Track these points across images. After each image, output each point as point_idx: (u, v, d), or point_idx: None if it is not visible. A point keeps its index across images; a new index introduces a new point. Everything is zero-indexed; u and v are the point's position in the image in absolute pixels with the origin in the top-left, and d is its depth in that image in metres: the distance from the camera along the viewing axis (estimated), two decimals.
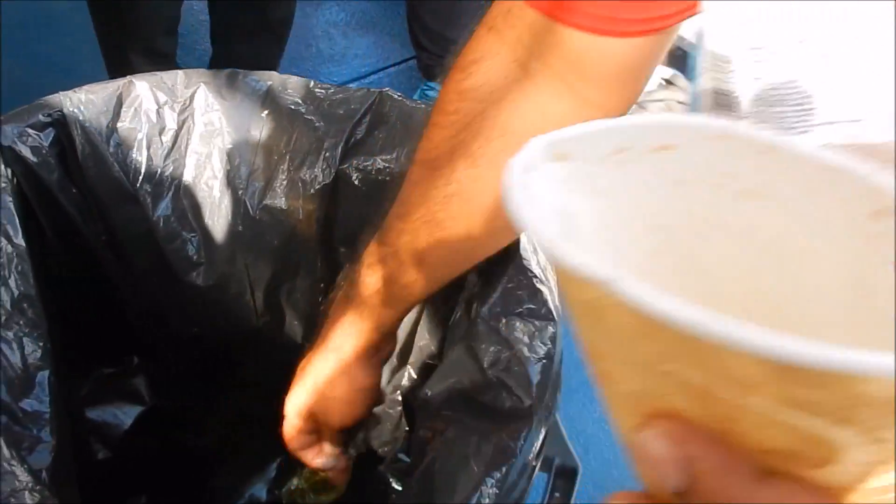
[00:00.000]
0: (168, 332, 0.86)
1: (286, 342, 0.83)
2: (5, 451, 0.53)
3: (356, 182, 0.71)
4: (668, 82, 1.87)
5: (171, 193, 0.73)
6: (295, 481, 0.92)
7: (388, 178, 0.70)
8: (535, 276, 0.58)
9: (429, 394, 0.61)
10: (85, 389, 0.87)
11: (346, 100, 0.73)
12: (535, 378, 0.54)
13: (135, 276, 0.80)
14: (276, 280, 0.78)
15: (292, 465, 0.92)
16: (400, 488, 0.78)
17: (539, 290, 0.58)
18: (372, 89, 0.73)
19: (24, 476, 0.53)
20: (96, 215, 0.74)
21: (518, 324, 0.56)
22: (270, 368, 0.94)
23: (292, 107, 0.73)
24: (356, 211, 0.72)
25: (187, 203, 0.74)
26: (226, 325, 0.82)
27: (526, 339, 0.56)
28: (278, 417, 0.99)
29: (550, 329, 0.57)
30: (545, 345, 0.56)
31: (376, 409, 0.85)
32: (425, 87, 1.71)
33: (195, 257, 0.76)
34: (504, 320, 0.56)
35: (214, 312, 0.81)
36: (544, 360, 0.55)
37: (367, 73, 1.85)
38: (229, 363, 0.90)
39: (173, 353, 0.89)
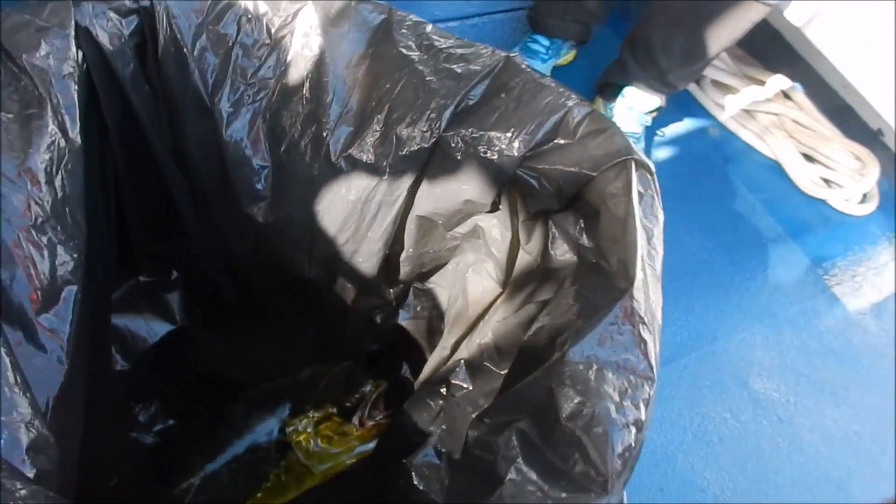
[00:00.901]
0: (215, 255, 0.80)
1: (333, 302, 0.76)
2: (10, 376, 0.46)
3: (457, 155, 0.62)
4: (786, 95, 1.73)
5: (249, 115, 0.65)
6: (304, 423, 0.87)
7: (493, 159, 0.60)
8: (643, 322, 0.49)
9: (487, 421, 0.53)
10: (118, 294, 0.81)
11: (465, 56, 0.63)
12: (618, 447, 0.46)
13: (194, 194, 0.73)
14: (340, 236, 0.70)
15: (304, 408, 0.86)
16: (421, 487, 0.71)
17: (644, 340, 0.49)
18: (498, 51, 0.63)
19: (24, 408, 0.47)
20: (166, 121, 0.66)
21: (610, 375, 0.48)
22: (306, 321, 0.87)
23: (404, 51, 0.63)
24: (448, 186, 0.64)
25: (264, 130, 0.66)
26: (275, 266, 0.75)
27: (616, 397, 0.47)
28: (302, 364, 0.94)
29: (647, 389, 0.48)
30: (636, 408, 0.47)
31: (418, 392, 0.78)
32: (529, 40, 1.58)
33: (261, 190, 0.68)
34: (595, 367, 0.48)
35: (267, 251, 0.73)
36: (632, 428, 0.46)
37: (473, 14, 1.72)
38: (267, 304, 0.83)
39: (215, 278, 0.83)
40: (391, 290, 0.79)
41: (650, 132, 1.55)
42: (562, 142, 0.59)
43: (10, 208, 0.51)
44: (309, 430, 0.85)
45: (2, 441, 0.45)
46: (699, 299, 1.40)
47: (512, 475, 0.46)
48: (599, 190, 0.56)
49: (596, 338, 0.48)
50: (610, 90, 1.44)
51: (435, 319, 0.80)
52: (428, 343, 0.82)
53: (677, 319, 1.36)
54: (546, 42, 1.54)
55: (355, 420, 0.86)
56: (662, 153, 1.57)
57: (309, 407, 0.86)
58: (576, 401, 0.47)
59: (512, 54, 0.63)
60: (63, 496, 0.51)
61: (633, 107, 1.39)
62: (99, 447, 0.86)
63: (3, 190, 0.51)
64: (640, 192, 0.54)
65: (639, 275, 0.50)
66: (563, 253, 0.62)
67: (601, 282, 0.54)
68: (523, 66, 0.62)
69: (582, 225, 0.61)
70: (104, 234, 0.70)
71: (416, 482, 0.70)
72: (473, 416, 0.68)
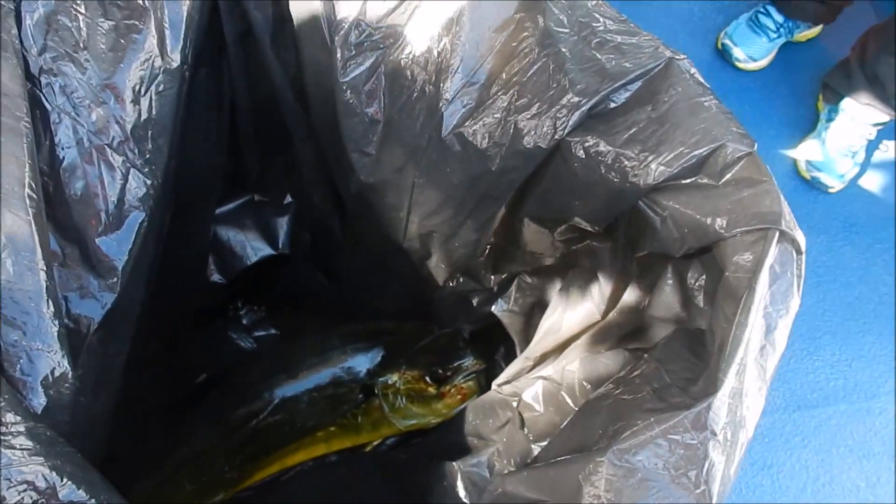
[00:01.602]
0: (324, 189, 0.76)
1: (423, 277, 0.71)
2: (49, 307, 0.45)
3: (575, 165, 0.52)
4: None
5: (367, 64, 0.59)
6: (394, 377, 0.85)
7: (615, 182, 0.51)
8: (716, 438, 0.40)
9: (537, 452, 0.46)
10: (227, 207, 0.80)
11: (621, 47, 0.52)
12: None
13: (308, 124, 0.69)
14: (436, 216, 0.63)
15: (398, 361, 0.83)
16: (463, 497, 0.66)
17: (709, 462, 0.39)
18: (664, 49, 0.52)
19: (50, 337, 0.45)
20: (286, 47, 0.62)
21: (653, 494, 0.39)
22: (394, 294, 0.83)
23: (553, 25, 0.53)
24: (559, 197, 0.55)
25: (383, 84, 0.59)
26: (371, 226, 0.70)
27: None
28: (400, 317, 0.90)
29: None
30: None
31: (490, 395, 0.72)
32: (760, 10, 1.38)
33: (366, 146, 0.62)
34: (637, 478, 0.39)
35: (364, 208, 0.69)
36: None
37: None
38: (366, 261, 0.79)
39: (322, 210, 0.80)
40: (492, 277, 0.72)
41: (872, 146, 1.33)
42: (704, 181, 0.48)
43: (87, 122, 0.49)
44: (399, 385, 0.82)
45: (17, 368, 0.44)
46: (872, 346, 1.21)
47: None
48: (726, 254, 0.45)
49: (649, 444, 0.39)
50: (831, 93, 1.24)
51: (532, 318, 0.73)
52: (520, 340, 0.75)
53: (836, 363, 1.19)
54: (780, 19, 1.34)
55: (443, 388, 0.83)
56: (879, 173, 1.35)
57: (403, 362, 0.83)
58: None
59: (679, 57, 0.52)
60: (88, 427, 0.51)
61: (856, 117, 1.18)
62: (191, 342, 0.89)
63: (83, 101, 0.49)
64: (774, 273, 0.43)
65: (730, 382, 0.40)
66: (671, 305, 0.53)
67: (691, 366, 0.44)
68: (687, 73, 0.51)
69: (703, 282, 0.51)
70: (213, 150, 0.68)
71: (459, 491, 0.65)
72: (532, 446, 0.61)
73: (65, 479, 0.40)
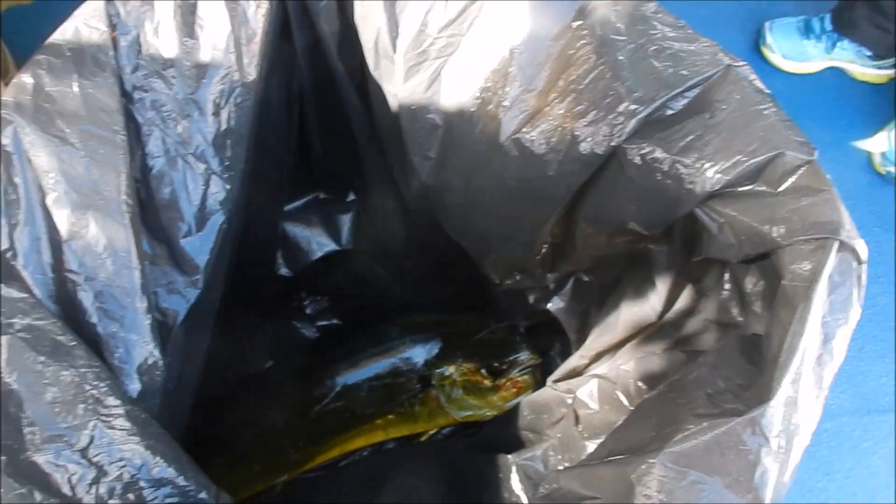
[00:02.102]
0: (387, 187, 0.79)
1: (481, 275, 0.73)
2: (143, 301, 0.49)
3: (631, 172, 0.53)
4: None
5: (429, 72, 0.60)
6: (451, 369, 0.87)
7: (671, 188, 0.51)
8: (768, 444, 0.41)
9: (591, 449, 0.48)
10: (295, 205, 0.83)
11: (679, 54, 0.53)
12: None
13: (371, 131, 0.71)
14: (494, 218, 0.65)
15: (455, 354, 0.86)
16: (516, 489, 0.68)
17: (762, 468, 0.40)
18: (722, 55, 0.52)
19: (144, 330, 0.49)
20: (355, 53, 0.64)
21: (704, 496, 0.40)
22: (453, 289, 0.85)
23: (610, 34, 0.54)
24: (614, 202, 0.56)
25: (443, 91, 0.61)
26: (431, 225, 0.72)
27: None
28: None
29: None
30: None
31: (546, 391, 0.74)
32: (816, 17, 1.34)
33: (427, 150, 0.65)
34: (688, 480, 0.41)
35: (425, 207, 0.71)
36: None
37: None
38: (426, 257, 0.82)
39: (386, 209, 0.82)
40: (548, 276, 0.74)
41: None
42: (762, 188, 0.49)
43: (173, 133, 0.53)
44: (455, 377, 0.84)
45: (116, 357, 0.48)
46: None
47: None
48: (784, 262, 0.46)
49: (702, 447, 0.41)
50: None
51: (588, 317, 0.74)
52: (575, 338, 0.77)
53: None
54: (827, 26, 1.31)
55: (499, 381, 0.85)
56: None
57: (460, 354, 0.85)
58: None
59: (738, 63, 0.52)
60: (173, 410, 0.55)
61: None
62: (259, 331, 0.92)
63: (171, 114, 0.52)
64: (834, 282, 0.44)
65: (784, 390, 0.41)
66: (728, 310, 0.53)
67: (746, 372, 0.45)
68: (746, 80, 0.51)
69: (761, 287, 0.51)
70: (283, 152, 0.71)
71: (514, 483, 0.67)
72: (586, 442, 0.63)
73: (157, 458, 0.44)
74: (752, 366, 0.46)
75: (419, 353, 0.88)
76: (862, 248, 0.44)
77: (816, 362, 0.43)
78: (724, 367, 0.47)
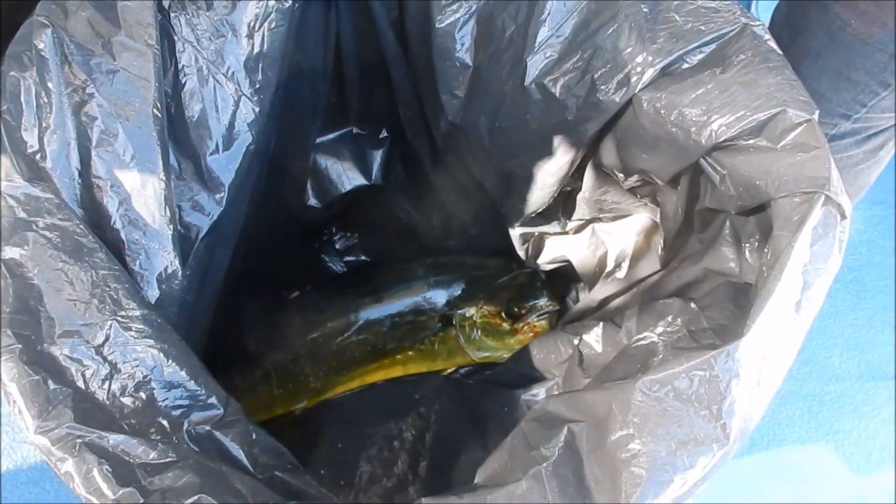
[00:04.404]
0: (419, 125, 0.82)
1: (502, 216, 0.75)
2: (166, 212, 0.52)
3: (644, 121, 0.55)
4: None
5: (464, 9, 0.63)
6: (472, 311, 0.90)
7: (678, 137, 0.54)
8: (738, 379, 0.43)
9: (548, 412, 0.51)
10: (328, 137, 0.86)
11: (700, 10, 0.55)
12: (649, 494, 0.42)
13: (406, 68, 0.74)
14: (517, 158, 0.67)
15: (477, 296, 0.89)
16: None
17: (731, 399, 0.43)
18: (740, 15, 0.54)
19: (166, 239, 0.53)
20: None
21: (676, 421, 0.43)
22: (478, 229, 0.87)
23: None
24: (628, 149, 0.58)
25: (475, 32, 0.64)
26: (457, 163, 0.75)
27: (672, 445, 0.43)
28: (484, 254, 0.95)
29: (714, 451, 0.43)
30: (691, 466, 0.43)
31: (555, 332, 0.77)
32: None
33: (456, 88, 0.67)
34: (661, 406, 0.44)
35: (452, 146, 0.74)
36: (677, 482, 0.42)
37: None
38: (453, 196, 0.84)
39: (417, 146, 0.85)
40: (567, 222, 0.76)
41: None
42: (763, 143, 0.51)
43: (207, 52, 0.56)
44: (476, 318, 0.87)
45: (137, 263, 0.52)
46: None
47: (538, 476, 0.45)
48: (776, 214, 0.48)
49: (677, 377, 0.44)
50: None
51: (603, 265, 0.77)
52: (589, 284, 0.79)
53: None
54: None
55: (517, 325, 0.88)
56: None
57: (482, 297, 0.88)
58: (628, 431, 0.44)
59: (754, 23, 0.54)
60: (191, 321, 0.59)
61: None
62: (286, 259, 0.96)
63: (205, 33, 0.56)
64: (817, 234, 0.46)
65: (758, 328, 0.43)
66: (726, 259, 0.56)
67: (731, 314, 0.48)
68: (760, 39, 0.53)
69: (757, 239, 0.54)
70: (318, 82, 0.74)
71: (517, 415, 0.71)
72: (584, 380, 0.66)
73: (170, 361, 0.47)
74: (738, 309, 0.49)
75: (442, 294, 0.91)
76: (846, 204, 0.46)
77: (795, 307, 0.45)
78: (711, 309, 0.50)
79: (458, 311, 0.90)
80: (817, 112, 0.49)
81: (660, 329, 0.53)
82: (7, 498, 1.05)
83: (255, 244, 0.73)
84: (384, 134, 0.87)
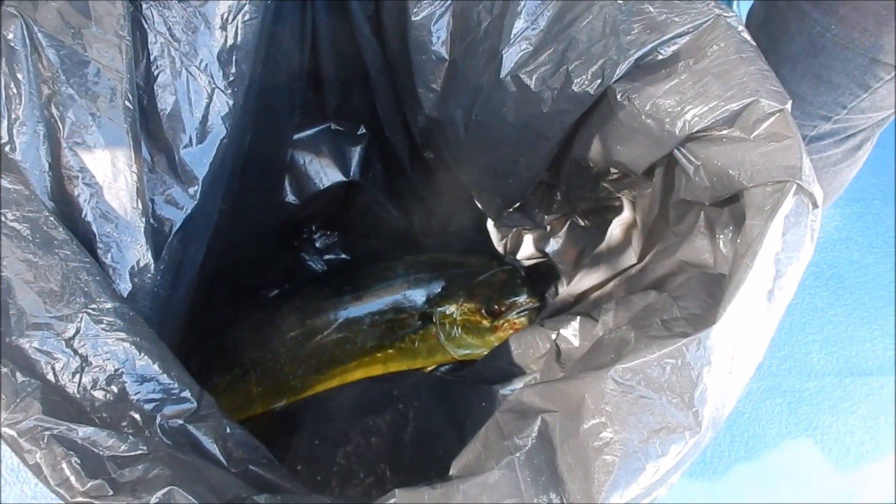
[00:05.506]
0: (396, 121, 0.81)
1: (480, 211, 0.75)
2: (138, 205, 0.52)
3: (618, 112, 0.56)
4: None
5: (438, 5, 0.63)
6: (452, 308, 0.90)
7: (652, 129, 0.54)
8: (710, 367, 0.44)
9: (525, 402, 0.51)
10: (306, 133, 0.86)
11: (675, 2, 0.55)
12: (621, 482, 0.42)
13: (382, 63, 0.74)
14: (492, 153, 0.67)
15: (457, 293, 0.89)
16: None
17: (703, 386, 0.43)
18: (714, 6, 0.54)
19: (139, 232, 0.52)
20: None
21: (648, 409, 0.43)
22: (457, 225, 0.87)
23: None
24: (603, 140, 0.58)
25: (451, 23, 0.64)
26: (435, 159, 0.75)
27: (644, 434, 0.43)
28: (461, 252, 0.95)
29: (686, 438, 0.43)
30: (663, 454, 0.43)
31: (533, 327, 0.77)
32: None
33: (432, 82, 0.67)
34: (634, 395, 0.44)
35: (430, 141, 0.73)
36: (649, 470, 0.42)
37: None
38: (431, 192, 0.84)
39: (394, 142, 0.85)
40: (546, 217, 0.76)
41: None
42: (736, 133, 0.51)
43: (179, 44, 0.56)
44: (456, 316, 0.87)
45: (108, 256, 0.51)
46: None
47: (511, 465, 0.45)
48: (748, 203, 0.48)
49: (649, 365, 0.44)
50: None
51: (581, 260, 0.77)
52: (569, 281, 0.80)
53: None
54: None
55: (497, 322, 0.88)
56: None
57: (462, 294, 0.88)
58: (600, 419, 0.44)
59: (728, 14, 0.54)
60: (164, 315, 0.58)
61: None
62: (265, 258, 0.96)
63: (177, 24, 0.55)
64: (789, 223, 0.46)
65: (730, 316, 0.43)
66: (700, 251, 0.56)
67: (703, 304, 0.48)
68: (734, 30, 0.53)
69: (731, 230, 0.54)
70: (294, 76, 0.74)
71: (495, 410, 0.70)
72: (560, 374, 0.66)
73: (142, 354, 0.46)
74: (710, 299, 0.49)
75: (422, 291, 0.90)
76: (818, 193, 0.46)
77: (767, 296, 0.45)
78: (684, 299, 0.50)
79: (438, 309, 0.89)
80: (790, 102, 0.49)
81: (633, 320, 0.53)
82: (7, 498, 1.04)
83: (233, 241, 0.73)
84: (362, 130, 0.87)
